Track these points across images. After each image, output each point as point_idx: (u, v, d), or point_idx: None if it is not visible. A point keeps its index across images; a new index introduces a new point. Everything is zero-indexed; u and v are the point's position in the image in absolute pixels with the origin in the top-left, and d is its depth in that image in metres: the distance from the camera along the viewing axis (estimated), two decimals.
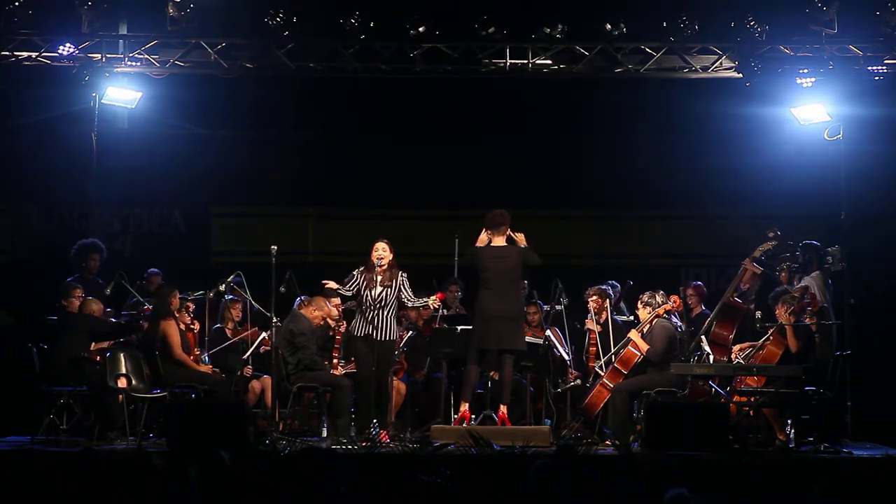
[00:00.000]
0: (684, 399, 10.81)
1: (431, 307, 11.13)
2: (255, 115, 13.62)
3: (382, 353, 10.63)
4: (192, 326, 11.17)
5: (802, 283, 11.24)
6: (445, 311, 11.93)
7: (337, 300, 11.32)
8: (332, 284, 10.75)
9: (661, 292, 11.15)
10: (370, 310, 10.59)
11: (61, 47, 11.72)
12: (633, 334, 11.00)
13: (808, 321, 10.60)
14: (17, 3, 11.39)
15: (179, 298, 11.05)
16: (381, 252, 10.66)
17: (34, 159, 13.18)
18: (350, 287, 10.70)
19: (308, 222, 14.06)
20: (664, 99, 12.81)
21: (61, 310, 10.98)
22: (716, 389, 10.83)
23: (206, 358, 11.24)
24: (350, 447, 9.95)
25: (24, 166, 13.15)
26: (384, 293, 10.63)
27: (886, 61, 11.71)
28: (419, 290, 11.73)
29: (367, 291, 10.63)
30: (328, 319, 11.32)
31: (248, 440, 9.83)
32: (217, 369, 11.14)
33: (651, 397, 10.70)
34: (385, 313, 10.66)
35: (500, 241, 10.76)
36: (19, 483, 6.30)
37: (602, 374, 11.06)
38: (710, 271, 13.75)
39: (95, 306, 10.92)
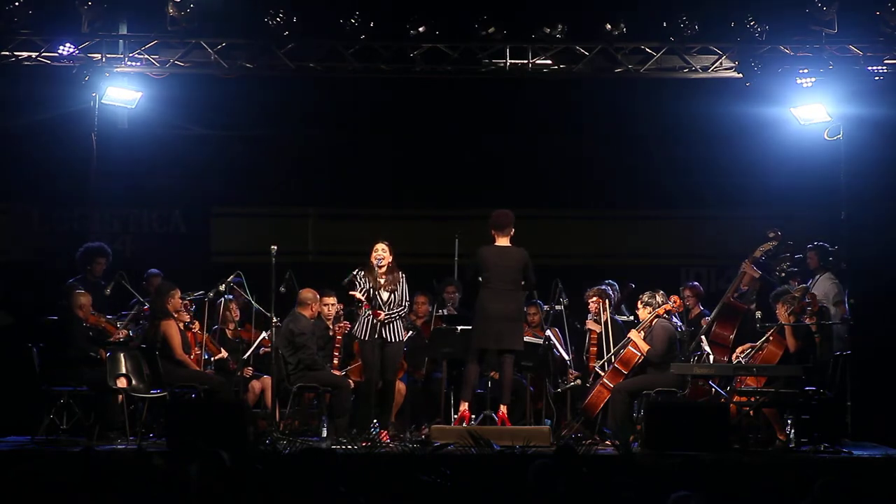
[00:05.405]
0: (684, 399, 10.82)
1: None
2: (255, 115, 13.60)
3: (392, 353, 10.69)
4: (191, 326, 11.17)
5: (821, 283, 11.29)
6: (444, 312, 11.94)
7: (333, 300, 11.32)
8: (358, 296, 10.70)
9: (661, 292, 11.15)
10: (380, 312, 10.60)
11: (61, 47, 11.71)
12: (634, 334, 11.00)
13: (808, 321, 10.61)
14: (17, 3, 11.38)
15: (180, 298, 11.04)
16: (381, 253, 10.68)
17: (34, 159, 13.17)
18: (362, 292, 10.68)
19: (308, 222, 14.05)
20: (664, 99, 12.81)
21: (62, 310, 10.99)
22: (716, 389, 10.84)
23: (212, 365, 11.25)
24: (350, 447, 9.95)
25: (24, 166, 13.14)
26: (392, 297, 10.65)
27: (886, 61, 11.70)
28: (419, 290, 11.78)
29: (376, 294, 10.63)
30: (326, 319, 11.32)
31: (248, 440, 9.83)
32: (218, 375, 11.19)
33: (651, 397, 10.70)
34: (394, 315, 10.71)
35: (503, 242, 10.76)
36: (19, 483, 6.29)
37: (602, 374, 11.06)
38: (710, 271, 13.76)
39: (84, 299, 10.92)
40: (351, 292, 10.75)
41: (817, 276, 11.59)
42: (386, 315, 10.62)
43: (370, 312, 10.62)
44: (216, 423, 9.78)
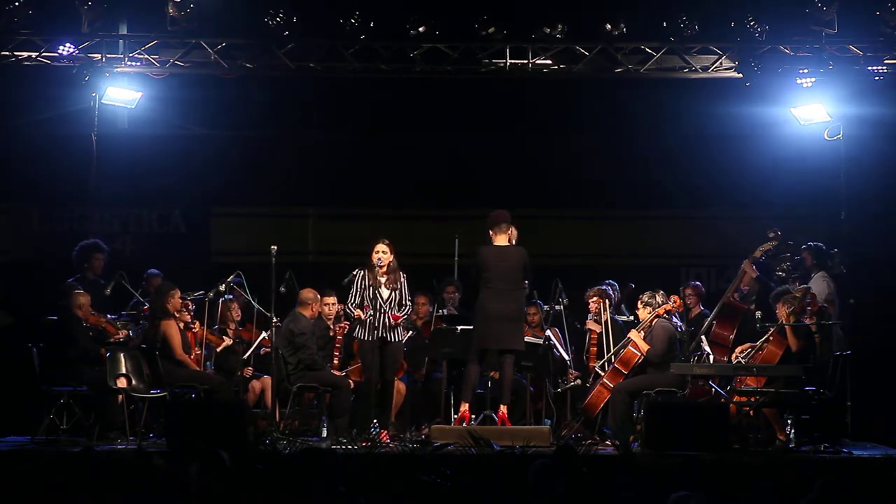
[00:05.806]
0: (684, 399, 10.81)
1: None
2: (255, 115, 13.61)
3: (392, 353, 10.68)
4: (191, 326, 11.17)
5: (814, 282, 11.30)
6: (444, 312, 11.94)
7: (333, 300, 11.32)
8: (359, 314, 10.66)
9: (661, 292, 11.15)
10: (380, 312, 10.59)
11: (61, 47, 11.71)
12: (634, 334, 11.00)
13: (808, 321, 10.61)
14: (17, 3, 11.38)
15: (179, 298, 11.04)
16: (381, 253, 10.67)
17: (34, 159, 13.17)
18: (355, 298, 10.67)
19: (308, 222, 14.05)
20: (664, 99, 12.81)
21: (62, 310, 10.99)
22: (716, 389, 10.84)
23: (210, 364, 11.24)
24: (350, 447, 9.95)
25: (24, 166, 13.14)
26: (392, 295, 10.65)
27: (886, 61, 11.70)
28: (419, 290, 11.77)
29: (376, 293, 10.61)
30: (326, 319, 11.32)
31: (248, 440, 9.83)
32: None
33: (651, 397, 10.70)
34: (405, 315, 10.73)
35: (502, 241, 10.76)
36: (19, 483, 6.29)
37: (602, 374, 11.06)
38: (710, 271, 13.75)
39: (83, 299, 10.92)
40: (353, 311, 10.68)
41: (812, 276, 11.60)
42: (403, 317, 10.62)
43: (392, 315, 10.58)
44: (216, 423, 9.78)
